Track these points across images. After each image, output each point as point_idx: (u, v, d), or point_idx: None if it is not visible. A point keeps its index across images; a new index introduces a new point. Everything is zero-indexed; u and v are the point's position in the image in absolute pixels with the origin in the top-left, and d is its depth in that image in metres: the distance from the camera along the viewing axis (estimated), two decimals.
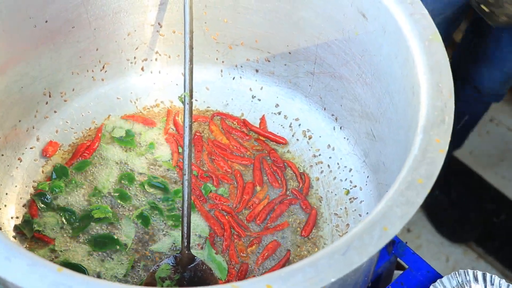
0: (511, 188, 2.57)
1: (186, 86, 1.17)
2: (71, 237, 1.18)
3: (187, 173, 1.11)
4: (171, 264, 1.09)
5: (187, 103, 1.16)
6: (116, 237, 1.17)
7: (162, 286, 1.06)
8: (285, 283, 0.73)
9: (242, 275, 1.15)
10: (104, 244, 1.16)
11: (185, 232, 1.10)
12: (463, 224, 2.49)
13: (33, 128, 1.27)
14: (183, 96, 1.16)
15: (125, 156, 1.29)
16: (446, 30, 1.87)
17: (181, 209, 1.18)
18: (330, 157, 1.31)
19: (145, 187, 1.25)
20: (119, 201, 1.23)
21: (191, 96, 1.17)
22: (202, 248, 1.18)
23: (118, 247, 1.16)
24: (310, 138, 1.34)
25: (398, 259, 1.21)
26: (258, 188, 1.27)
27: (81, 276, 0.75)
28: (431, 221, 2.50)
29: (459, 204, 2.51)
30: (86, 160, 1.27)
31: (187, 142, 1.13)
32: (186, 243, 1.10)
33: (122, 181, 1.25)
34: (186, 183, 1.11)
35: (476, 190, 2.58)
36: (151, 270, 1.11)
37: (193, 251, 1.14)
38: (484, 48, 1.95)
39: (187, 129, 1.14)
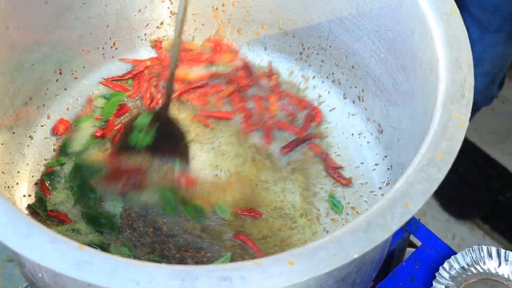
0: None
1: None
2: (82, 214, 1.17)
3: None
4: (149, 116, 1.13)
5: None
6: (114, 220, 1.15)
7: (138, 135, 1.11)
8: (308, 259, 0.73)
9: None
10: (100, 224, 1.15)
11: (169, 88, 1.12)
12: (469, 202, 2.49)
13: (44, 105, 1.26)
14: None
15: None
16: None
17: None
18: (342, 133, 1.30)
19: None
20: None
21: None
22: None
23: (108, 229, 1.14)
24: None
25: (411, 236, 1.21)
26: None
27: (101, 253, 0.74)
28: (437, 198, 2.50)
29: (465, 181, 2.50)
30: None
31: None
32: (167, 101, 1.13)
33: None
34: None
35: (482, 167, 2.57)
36: (128, 118, 1.19)
37: None
38: None
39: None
